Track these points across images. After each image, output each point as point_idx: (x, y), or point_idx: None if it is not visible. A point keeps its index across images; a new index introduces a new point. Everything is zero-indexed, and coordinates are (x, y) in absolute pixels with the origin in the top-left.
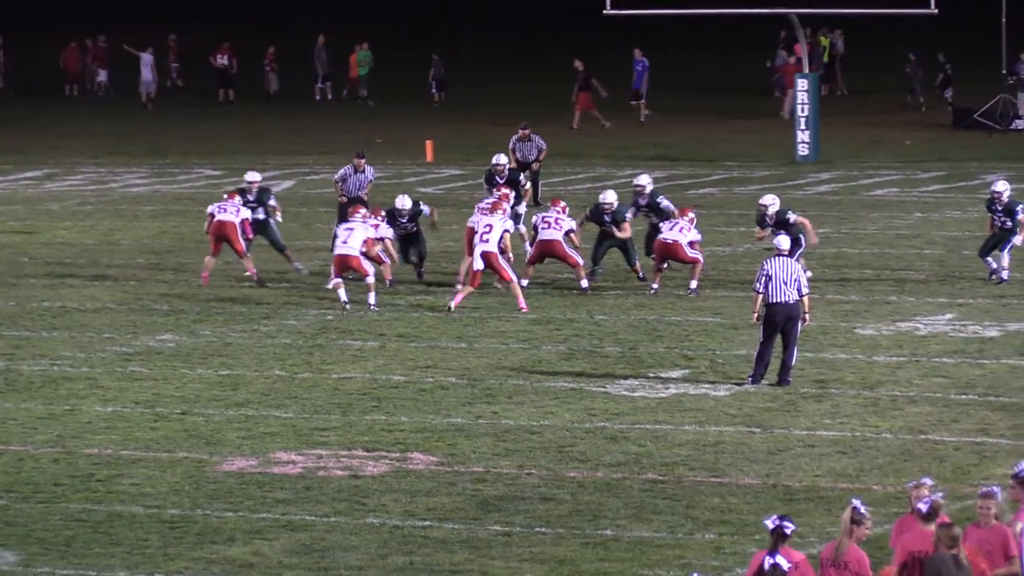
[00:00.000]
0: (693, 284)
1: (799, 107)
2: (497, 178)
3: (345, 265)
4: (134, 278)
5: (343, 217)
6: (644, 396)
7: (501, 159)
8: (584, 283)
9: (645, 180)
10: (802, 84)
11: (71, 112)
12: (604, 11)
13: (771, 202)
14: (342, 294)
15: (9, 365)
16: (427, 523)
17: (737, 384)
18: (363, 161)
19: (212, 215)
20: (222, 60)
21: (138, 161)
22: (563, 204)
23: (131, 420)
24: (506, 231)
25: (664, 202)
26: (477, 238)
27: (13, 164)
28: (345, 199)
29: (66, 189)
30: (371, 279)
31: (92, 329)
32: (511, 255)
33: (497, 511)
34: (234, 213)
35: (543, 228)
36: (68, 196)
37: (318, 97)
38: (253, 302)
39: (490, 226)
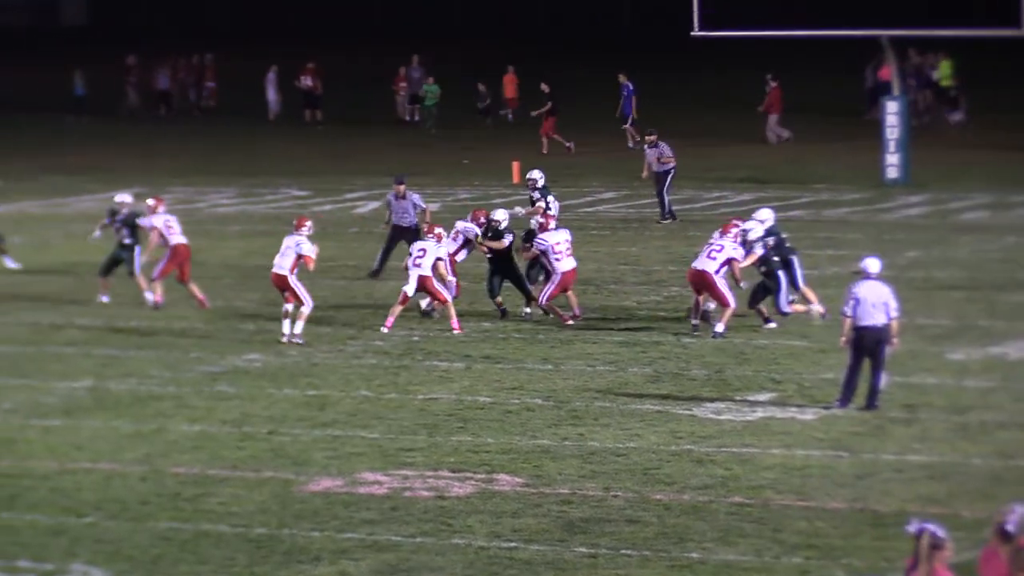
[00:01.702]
0: (719, 327)
1: (888, 129)
2: (532, 193)
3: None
4: (221, 297)
5: (389, 244)
6: (731, 419)
7: (533, 174)
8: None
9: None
10: (892, 107)
11: (160, 131)
12: (692, 33)
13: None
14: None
15: (97, 383)
16: (513, 544)
17: (824, 408)
18: (403, 187)
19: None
20: (306, 82)
21: (225, 181)
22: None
23: (218, 439)
24: (439, 258)
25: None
26: (411, 261)
27: (102, 183)
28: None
29: None
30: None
31: (179, 348)
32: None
33: (583, 533)
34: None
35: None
36: None
37: (408, 118)
38: (339, 323)
39: (424, 250)
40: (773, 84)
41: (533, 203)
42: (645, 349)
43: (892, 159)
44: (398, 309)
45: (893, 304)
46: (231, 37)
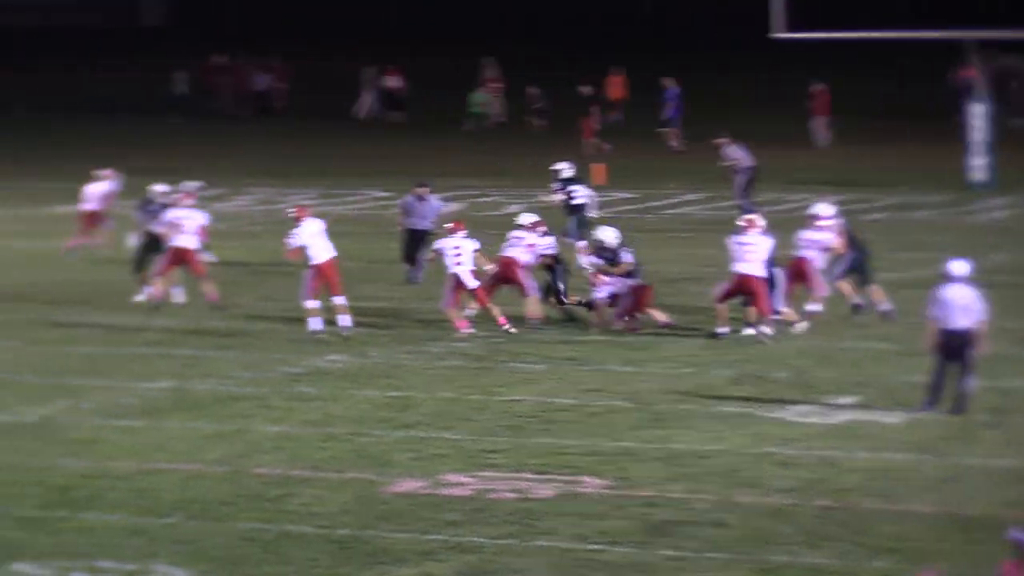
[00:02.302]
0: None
1: (973, 132)
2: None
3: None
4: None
5: (410, 247)
6: (815, 422)
7: (558, 165)
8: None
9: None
10: (977, 110)
11: (238, 131)
12: (772, 35)
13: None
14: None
15: (179, 384)
16: (597, 546)
17: (910, 411)
18: (426, 190)
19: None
20: (391, 82)
21: (305, 182)
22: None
23: (300, 440)
24: (476, 250)
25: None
26: (450, 261)
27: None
28: (401, 228)
29: (235, 209)
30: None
31: (260, 349)
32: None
33: (667, 535)
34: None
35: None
36: (237, 216)
37: (497, 120)
38: (423, 324)
39: (458, 247)
40: (819, 88)
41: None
42: (728, 351)
43: (977, 161)
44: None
45: (980, 307)
46: (303, 37)
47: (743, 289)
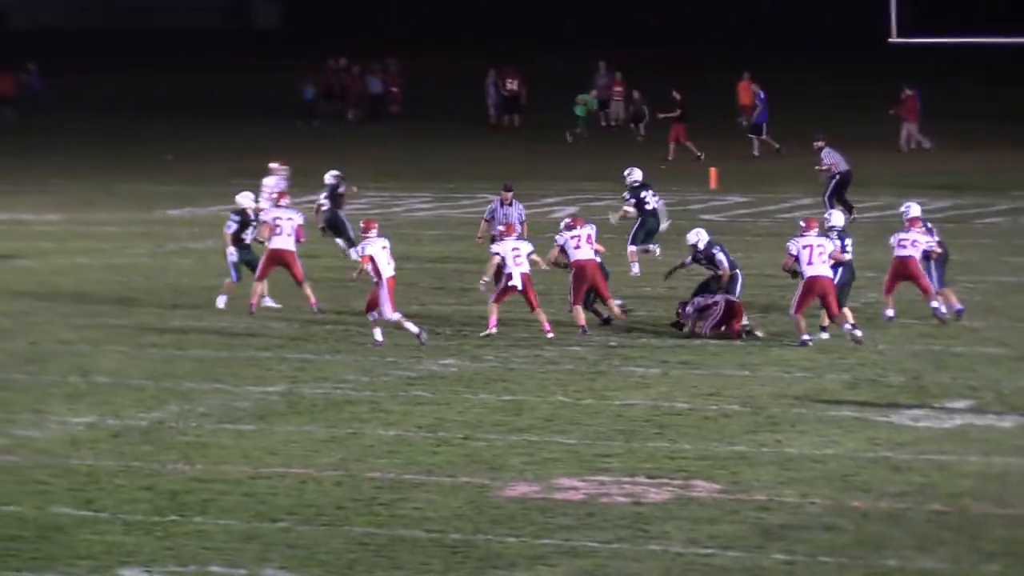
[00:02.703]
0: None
1: None
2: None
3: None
4: (416, 301)
5: None
6: (928, 426)
7: (629, 170)
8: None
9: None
10: None
11: (353, 134)
12: (889, 39)
13: (696, 238)
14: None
15: (292, 388)
16: (710, 551)
17: (1023, 415)
18: (511, 194)
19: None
20: (511, 86)
21: (420, 185)
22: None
23: (414, 444)
24: (531, 252)
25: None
26: (512, 261)
27: (297, 187)
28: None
29: (350, 212)
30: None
31: (375, 353)
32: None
33: (780, 540)
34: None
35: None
36: (353, 219)
37: (603, 123)
38: (536, 327)
39: (517, 248)
40: (909, 93)
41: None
42: (843, 355)
43: None
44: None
45: None
46: (414, 41)
47: (816, 292)
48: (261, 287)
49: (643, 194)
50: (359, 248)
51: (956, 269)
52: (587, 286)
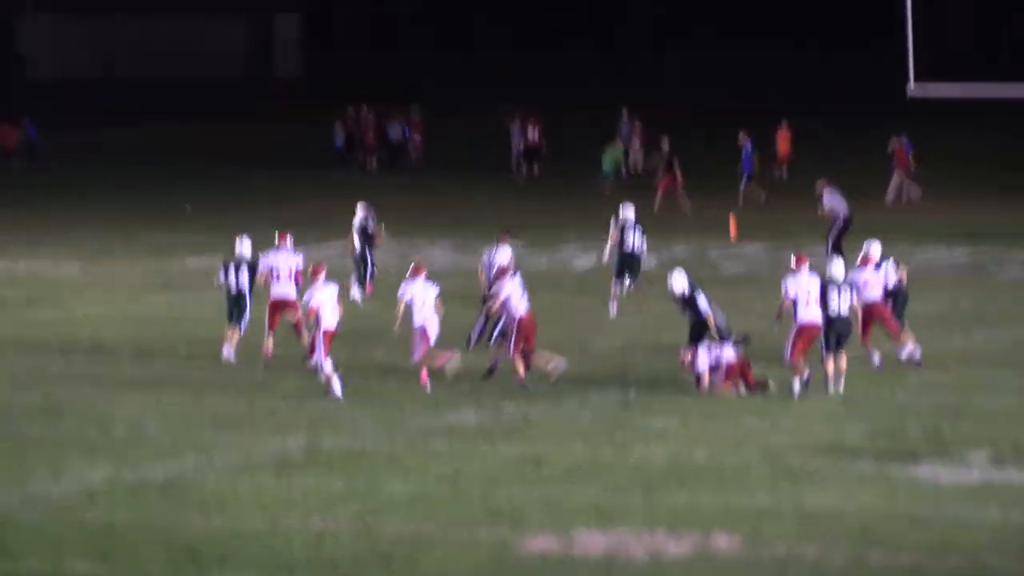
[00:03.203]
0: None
1: None
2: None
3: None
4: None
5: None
6: (948, 479)
7: (627, 210)
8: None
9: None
10: None
11: (374, 183)
12: (908, 90)
13: (677, 284)
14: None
15: (310, 439)
16: None
17: None
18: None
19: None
20: (532, 135)
21: (442, 233)
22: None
23: (432, 498)
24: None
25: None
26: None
27: (316, 237)
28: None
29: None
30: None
31: (394, 405)
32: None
33: None
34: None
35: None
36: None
37: (624, 172)
38: (555, 378)
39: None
40: (898, 143)
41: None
42: (862, 407)
43: None
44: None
45: None
46: (433, 90)
47: (810, 336)
48: (270, 339)
49: (625, 234)
50: (306, 296)
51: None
52: (524, 337)
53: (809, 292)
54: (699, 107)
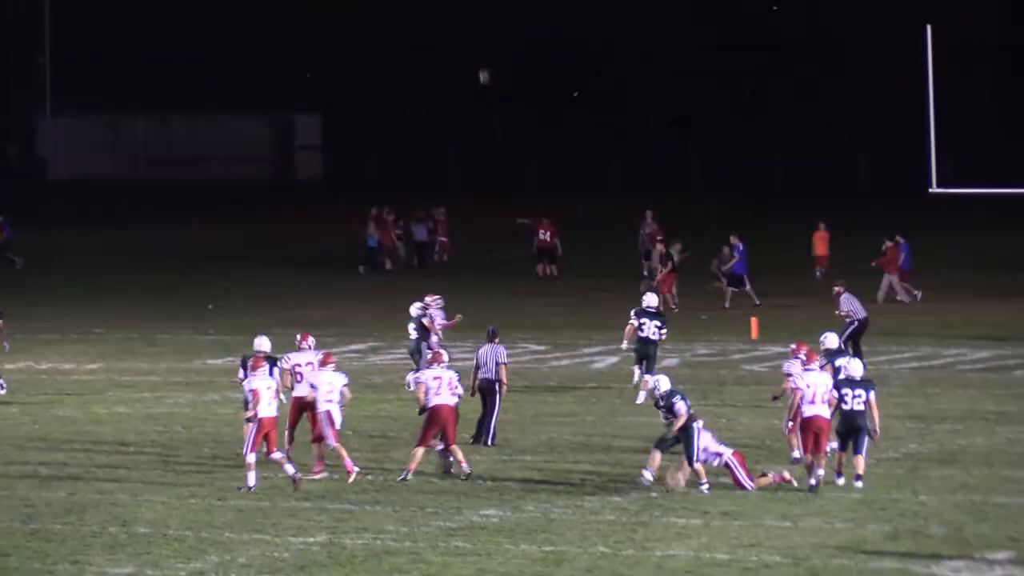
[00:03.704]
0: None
1: None
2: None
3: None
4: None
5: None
6: None
7: (648, 299)
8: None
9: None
10: None
11: (390, 284)
12: (930, 190)
13: (655, 384)
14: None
15: (332, 539)
16: None
17: None
18: (496, 339)
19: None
20: (544, 236)
21: (462, 335)
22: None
23: None
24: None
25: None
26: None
27: (337, 336)
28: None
29: (390, 362)
30: None
31: (415, 503)
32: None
33: None
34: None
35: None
36: (392, 369)
37: (646, 273)
38: (577, 477)
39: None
40: (890, 244)
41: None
42: (884, 506)
43: None
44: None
45: None
46: (456, 191)
47: (813, 430)
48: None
49: (643, 320)
50: (247, 382)
51: (994, 419)
52: (438, 430)
53: (815, 387)
54: (722, 208)
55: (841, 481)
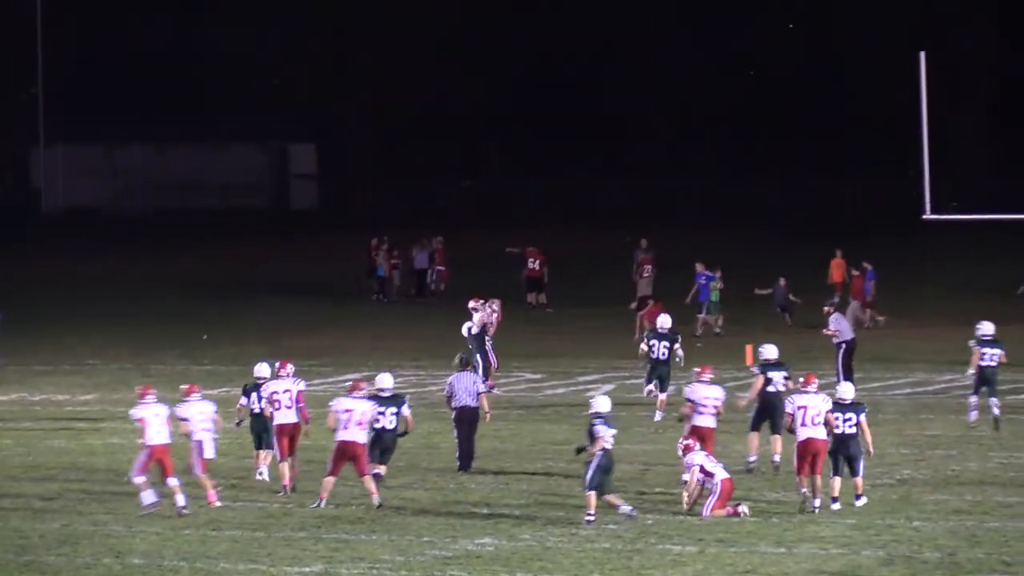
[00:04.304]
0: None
1: None
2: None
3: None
4: (453, 481)
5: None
6: None
7: (664, 320)
8: None
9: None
10: None
11: (387, 313)
12: (924, 216)
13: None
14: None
15: (328, 568)
16: None
17: None
18: (469, 367)
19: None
20: (533, 265)
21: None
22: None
23: None
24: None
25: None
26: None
27: (333, 366)
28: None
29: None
30: None
31: (411, 532)
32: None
33: None
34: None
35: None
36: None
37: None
38: (572, 505)
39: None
40: (856, 273)
41: None
42: (879, 532)
43: None
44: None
45: None
46: (452, 220)
47: (809, 453)
48: (285, 465)
49: (652, 342)
50: (133, 411)
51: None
52: (346, 462)
53: (809, 409)
54: (712, 233)
55: (836, 506)
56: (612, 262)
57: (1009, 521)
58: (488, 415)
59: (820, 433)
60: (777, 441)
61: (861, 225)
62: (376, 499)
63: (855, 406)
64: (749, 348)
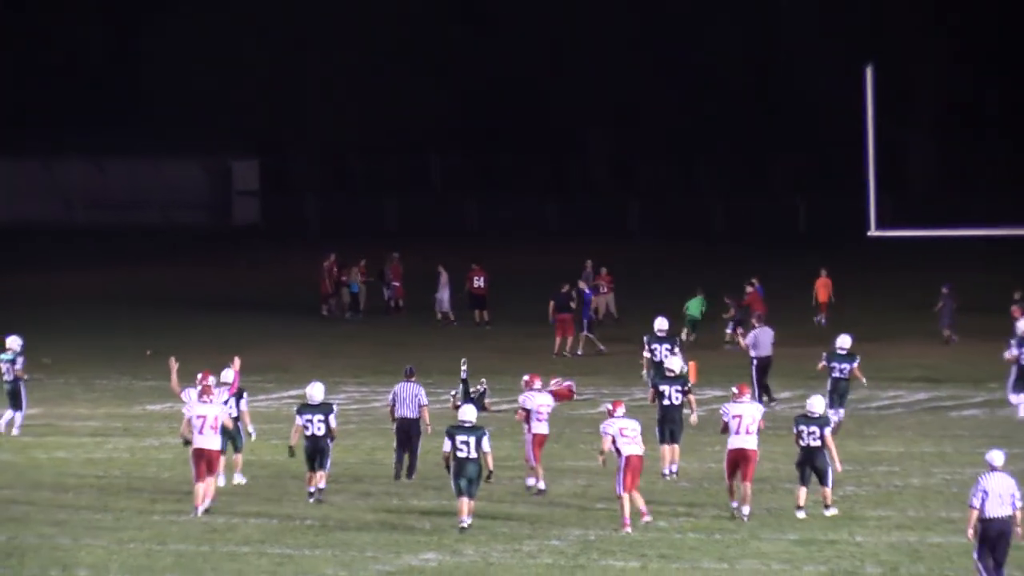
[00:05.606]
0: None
1: None
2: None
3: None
4: (397, 496)
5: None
6: None
7: (660, 323)
8: None
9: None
10: None
11: (331, 330)
12: (869, 232)
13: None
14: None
15: None
16: None
17: None
18: (413, 379)
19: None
20: (478, 283)
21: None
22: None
23: None
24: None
25: None
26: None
27: (276, 383)
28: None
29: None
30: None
31: (354, 547)
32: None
33: None
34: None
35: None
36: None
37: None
38: (515, 521)
39: None
40: (749, 289)
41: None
42: (821, 548)
43: None
44: None
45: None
46: (395, 237)
47: (736, 461)
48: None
49: (654, 345)
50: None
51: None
52: (204, 465)
53: (744, 418)
54: (659, 252)
55: (801, 515)
56: (554, 280)
57: (951, 536)
58: (429, 428)
59: (751, 443)
60: (674, 450)
61: (809, 241)
62: (206, 503)
63: (820, 420)
64: (693, 365)
